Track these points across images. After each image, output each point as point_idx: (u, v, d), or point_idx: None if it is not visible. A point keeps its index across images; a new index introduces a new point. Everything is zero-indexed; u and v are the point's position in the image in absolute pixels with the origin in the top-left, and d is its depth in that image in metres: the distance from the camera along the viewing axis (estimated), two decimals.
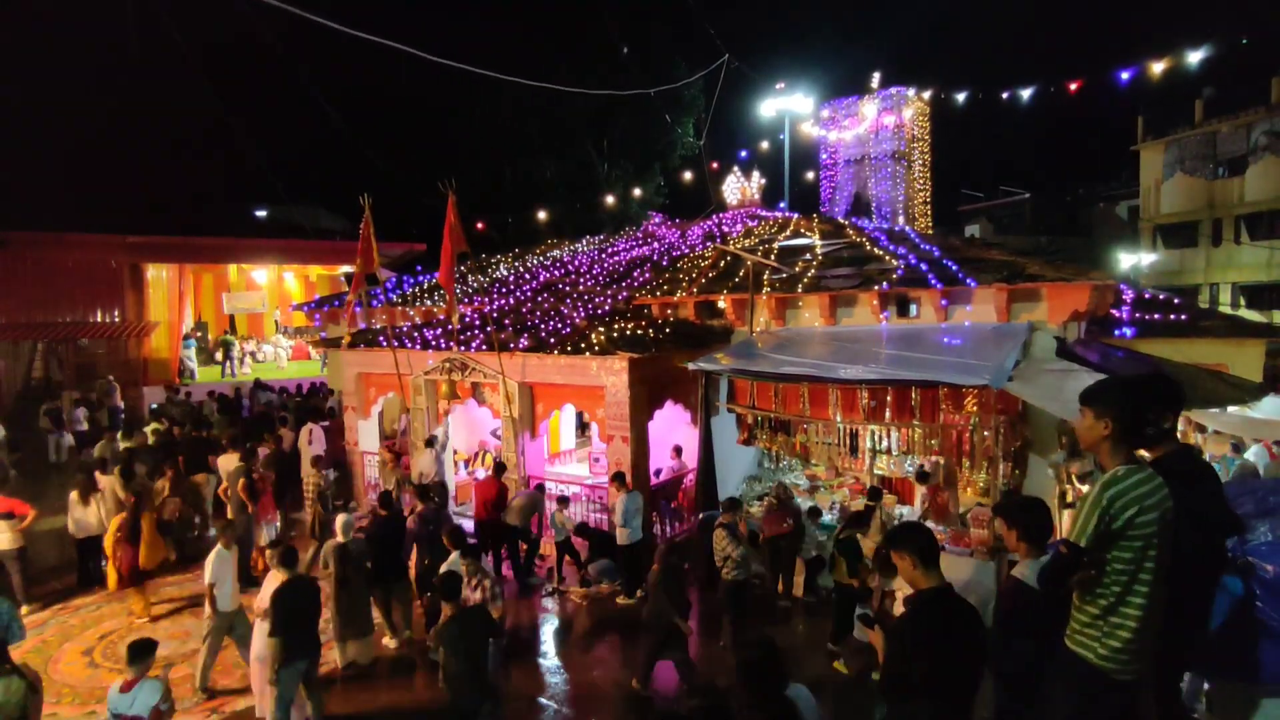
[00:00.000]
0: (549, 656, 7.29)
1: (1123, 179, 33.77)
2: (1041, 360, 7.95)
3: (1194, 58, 11.67)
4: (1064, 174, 40.36)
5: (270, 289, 26.30)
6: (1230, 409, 8.04)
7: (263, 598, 5.87)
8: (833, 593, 7.46)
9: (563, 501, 9.18)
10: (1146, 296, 10.35)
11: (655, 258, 14.11)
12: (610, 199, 25.06)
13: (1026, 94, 14.77)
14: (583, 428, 13.35)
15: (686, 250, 14.17)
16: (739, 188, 17.96)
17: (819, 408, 8.77)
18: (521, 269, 15.40)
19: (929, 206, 21.78)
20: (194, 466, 10.73)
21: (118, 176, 30.32)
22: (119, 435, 12.73)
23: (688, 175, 23.52)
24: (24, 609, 7.83)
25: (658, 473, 10.14)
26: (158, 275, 22.79)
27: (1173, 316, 9.38)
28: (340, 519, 6.94)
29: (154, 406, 16.96)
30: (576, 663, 7.18)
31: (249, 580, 8.61)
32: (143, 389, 19.92)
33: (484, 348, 10.03)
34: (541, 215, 23.91)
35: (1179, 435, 4.95)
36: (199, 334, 24.06)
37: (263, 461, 9.87)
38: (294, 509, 11.34)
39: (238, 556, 8.91)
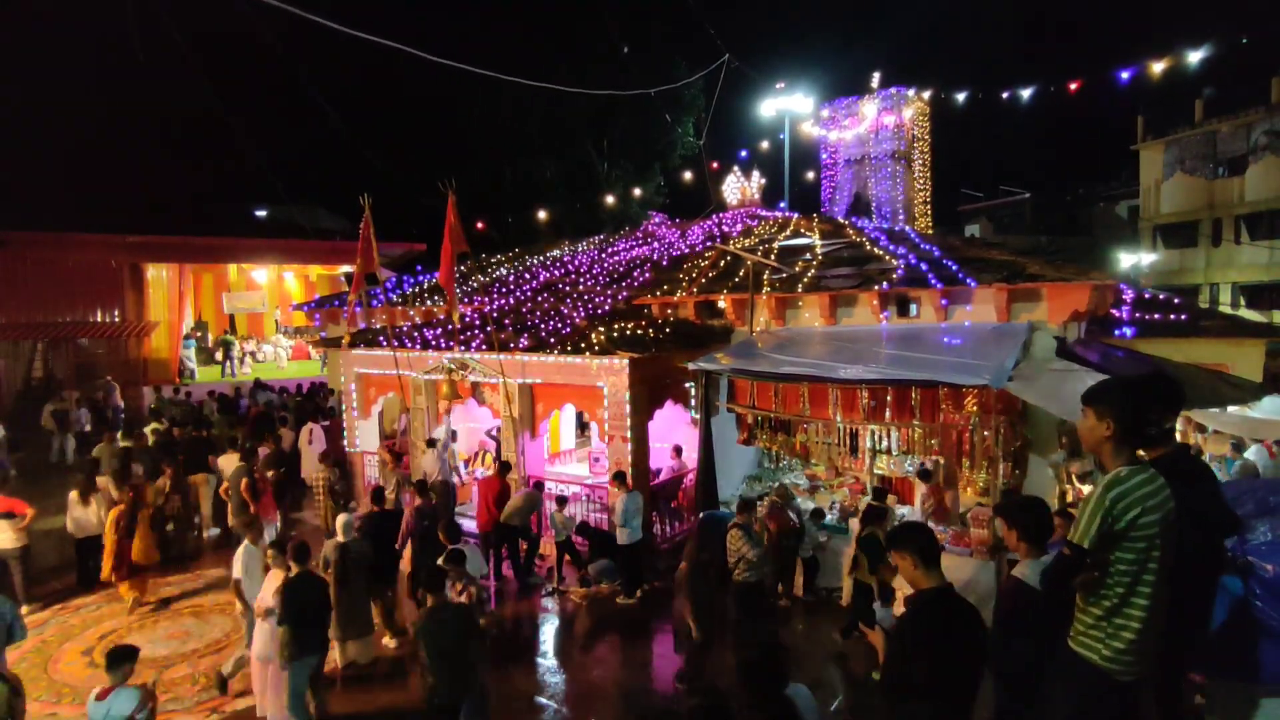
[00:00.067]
0: (549, 656, 7.30)
1: (1123, 179, 33.78)
2: (1041, 360, 7.96)
3: (1194, 58, 11.67)
4: (1064, 174, 40.35)
5: (270, 289, 26.32)
6: (1230, 409, 8.05)
7: (263, 597, 5.87)
8: (854, 590, 7.40)
9: (561, 501, 9.18)
10: (1146, 296, 10.35)
11: (655, 258, 14.11)
12: (610, 199, 25.06)
13: (1026, 94, 14.77)
14: (583, 428, 13.34)
15: (686, 250, 14.17)
16: (739, 188, 17.95)
17: (819, 408, 8.77)
18: (521, 269, 15.40)
19: (929, 206, 21.78)
20: (194, 466, 10.73)
21: (118, 176, 30.33)
22: (119, 435, 12.73)
23: (688, 175, 23.51)
24: (24, 609, 7.83)
25: (657, 472, 10.14)
26: (158, 275, 22.79)
27: (1173, 316, 9.38)
28: (341, 519, 6.94)
29: (151, 406, 16.97)
30: (576, 663, 7.19)
31: None
32: (143, 389, 19.92)
33: (484, 348, 10.03)
34: (541, 215, 23.91)
35: (1178, 435, 4.97)
36: (199, 334, 24.06)
37: (263, 461, 9.88)
38: (294, 509, 11.36)
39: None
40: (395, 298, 14.65)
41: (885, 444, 8.99)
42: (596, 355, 9.15)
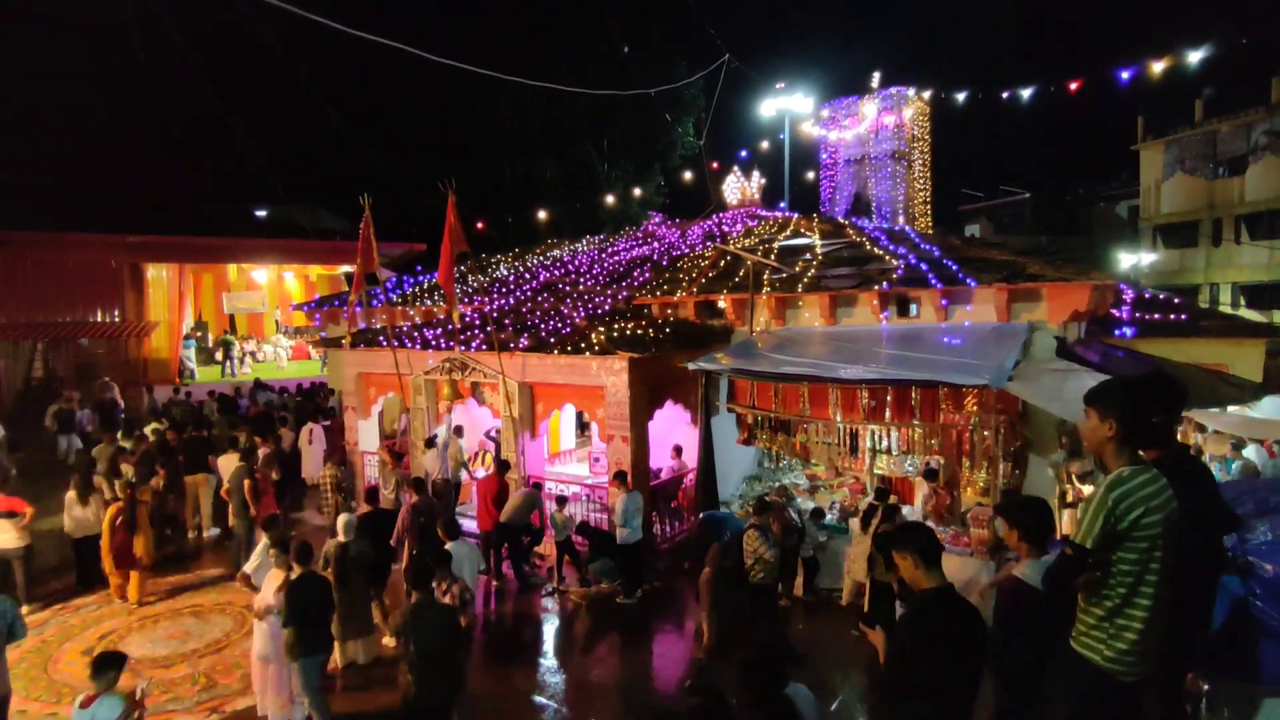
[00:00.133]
0: (549, 656, 7.29)
1: (1123, 179, 33.77)
2: (1041, 360, 7.96)
3: (1194, 58, 11.66)
4: (1064, 174, 40.35)
5: (270, 289, 26.30)
6: (1230, 409, 8.05)
7: (264, 596, 5.87)
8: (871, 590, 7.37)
9: (561, 501, 9.19)
10: (1146, 296, 10.35)
11: (655, 258, 14.11)
12: (610, 199, 25.06)
13: (1026, 94, 14.77)
14: (583, 428, 13.34)
15: (686, 250, 14.17)
16: (739, 187, 17.96)
17: (819, 407, 8.78)
18: (521, 269, 15.40)
19: (929, 206, 21.80)
20: (194, 466, 10.73)
21: (118, 176, 30.28)
22: (119, 436, 12.72)
23: (688, 175, 23.52)
24: (24, 609, 7.83)
25: (658, 472, 10.14)
26: (158, 275, 22.78)
27: (1173, 316, 9.38)
28: (342, 518, 6.94)
29: (158, 406, 16.97)
30: (576, 663, 7.18)
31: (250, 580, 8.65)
32: (143, 389, 19.91)
33: (484, 347, 10.03)
34: (541, 215, 23.91)
35: (1178, 435, 4.96)
36: (199, 334, 24.06)
37: (263, 461, 9.88)
38: (294, 509, 11.36)
39: (239, 556, 8.99)
40: (395, 298, 14.65)
41: (885, 444, 8.98)
42: (596, 355, 9.15)
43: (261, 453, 10.24)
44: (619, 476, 8.76)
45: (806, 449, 9.47)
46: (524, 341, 9.85)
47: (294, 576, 5.64)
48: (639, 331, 9.89)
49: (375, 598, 7.27)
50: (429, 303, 13.74)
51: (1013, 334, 8.32)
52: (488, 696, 6.36)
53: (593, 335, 9.52)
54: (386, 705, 6.30)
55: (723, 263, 11.95)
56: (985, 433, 7.69)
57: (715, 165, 19.39)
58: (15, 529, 8.06)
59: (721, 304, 10.86)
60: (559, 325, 10.39)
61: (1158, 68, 11.85)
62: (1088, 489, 7.56)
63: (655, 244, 15.51)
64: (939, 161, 21.85)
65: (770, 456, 11.11)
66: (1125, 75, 12.30)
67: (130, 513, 8.30)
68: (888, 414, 8.39)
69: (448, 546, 6.44)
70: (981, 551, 7.34)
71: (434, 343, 10.72)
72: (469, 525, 9.86)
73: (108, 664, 4.49)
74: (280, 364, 24.19)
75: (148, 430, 13.05)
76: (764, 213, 17.03)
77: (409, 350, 10.76)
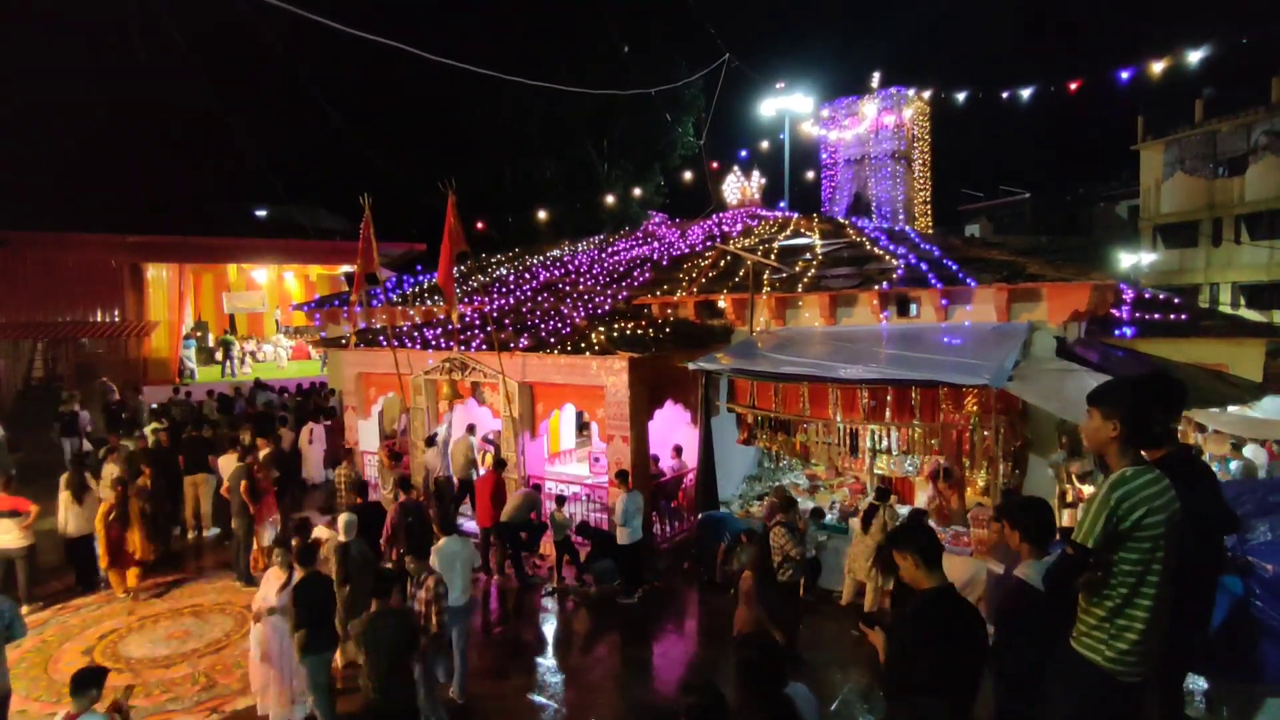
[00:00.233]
0: (549, 656, 7.29)
1: (1123, 179, 33.79)
2: (1041, 360, 7.97)
3: (1194, 58, 11.66)
4: (1064, 174, 40.42)
5: (270, 289, 26.30)
6: (1230, 409, 8.05)
7: (265, 596, 5.87)
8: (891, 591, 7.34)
9: (560, 500, 9.19)
10: (1146, 296, 10.35)
11: (655, 258, 14.11)
12: (610, 199, 25.04)
13: (1026, 94, 14.77)
14: (583, 428, 13.34)
15: (686, 250, 14.17)
16: (739, 187, 17.95)
17: (819, 407, 8.78)
18: (521, 269, 15.40)
19: (929, 206, 21.78)
20: (194, 466, 10.72)
21: (118, 176, 30.29)
22: (119, 436, 12.71)
23: (688, 175, 23.50)
24: (24, 608, 7.83)
25: (660, 473, 10.13)
26: (158, 275, 22.78)
27: (1173, 316, 9.39)
28: (342, 518, 6.94)
29: (154, 406, 16.94)
30: (576, 663, 7.18)
31: (249, 580, 8.65)
32: (143, 389, 19.91)
33: (484, 347, 10.03)
34: (541, 215, 23.89)
35: (1179, 435, 4.96)
36: (199, 334, 24.05)
37: (263, 461, 9.87)
38: (294, 509, 11.33)
39: (238, 556, 8.99)
40: (395, 298, 14.65)
41: (885, 444, 8.99)
42: (596, 355, 9.15)
43: (262, 453, 10.24)
44: (620, 476, 8.76)
45: (806, 449, 9.47)
46: (524, 341, 9.85)
47: (300, 578, 5.63)
48: (639, 331, 9.89)
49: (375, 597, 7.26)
50: (429, 303, 13.74)
51: (1013, 334, 8.32)
52: (488, 696, 6.36)
53: (593, 335, 9.52)
54: None
55: (723, 263, 11.95)
56: (985, 433, 7.69)
57: (715, 165, 19.39)
58: (19, 528, 8.07)
59: (721, 304, 10.86)
60: (559, 325, 10.39)
61: (1158, 68, 11.85)
62: (1088, 489, 7.56)
63: (655, 244, 15.51)
64: (939, 161, 21.83)
65: (770, 456, 11.11)
66: (1125, 75, 12.30)
67: (122, 508, 8.34)
68: (888, 414, 8.39)
69: (442, 542, 6.42)
70: (981, 551, 7.34)
71: (434, 343, 10.72)
72: (469, 525, 9.87)
73: (87, 682, 4.35)
74: (280, 364, 24.19)
75: (147, 430, 13.05)
76: (764, 213, 17.02)
77: (409, 350, 10.76)
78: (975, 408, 7.78)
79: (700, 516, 8.95)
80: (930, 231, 19.80)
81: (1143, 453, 3.04)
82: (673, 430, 10.44)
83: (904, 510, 9.18)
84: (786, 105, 21.38)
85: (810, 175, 22.54)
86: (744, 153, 20.67)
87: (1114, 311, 9.58)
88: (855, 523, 8.02)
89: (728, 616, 7.84)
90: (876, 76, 20.87)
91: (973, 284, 8.79)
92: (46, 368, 20.61)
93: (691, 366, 8.85)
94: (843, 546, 8.19)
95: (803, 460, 10.66)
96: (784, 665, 3.28)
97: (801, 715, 3.18)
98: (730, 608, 8.06)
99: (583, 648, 7.58)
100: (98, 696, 4.38)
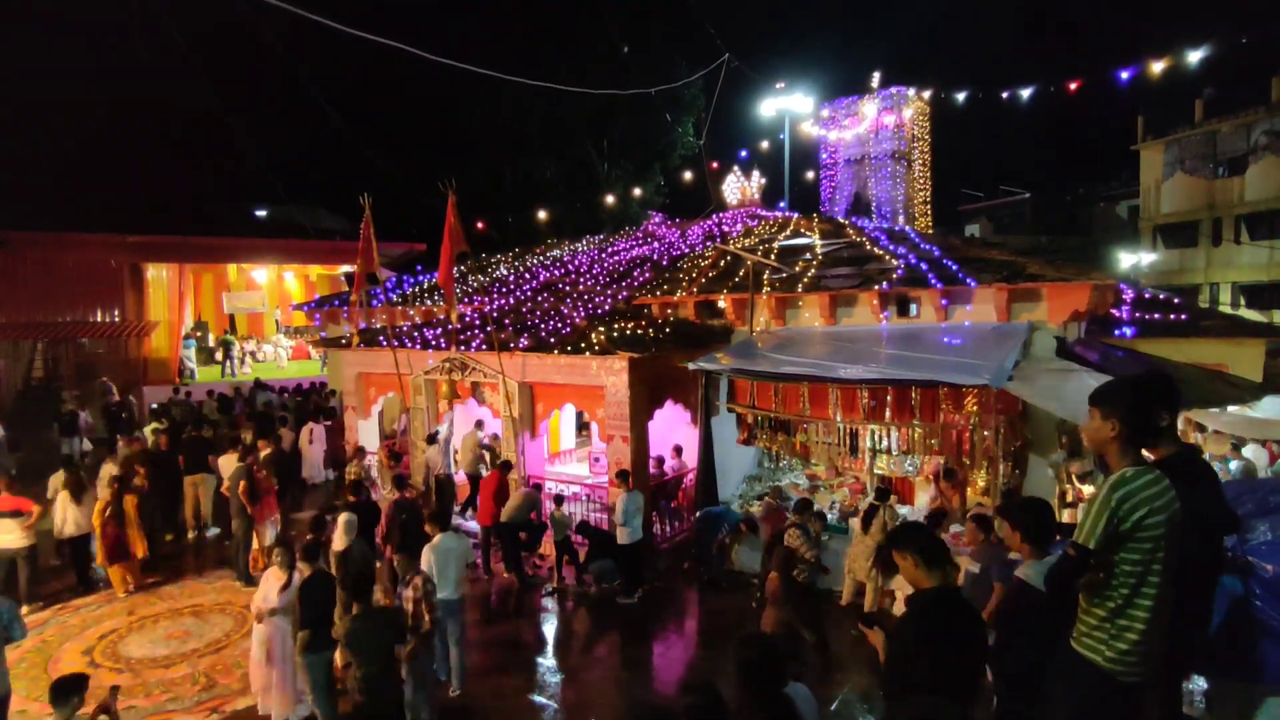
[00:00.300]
0: (548, 656, 7.29)
1: (1123, 179, 33.78)
2: (1041, 360, 7.97)
3: (1194, 58, 11.65)
4: (1064, 174, 40.43)
5: (270, 289, 26.28)
6: (1230, 409, 8.05)
7: (266, 596, 5.87)
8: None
9: (559, 500, 9.19)
10: (1146, 296, 10.35)
11: (655, 257, 14.11)
12: (610, 199, 25.04)
13: (1026, 94, 14.77)
14: (583, 428, 13.34)
15: (686, 250, 14.17)
16: (739, 187, 17.95)
17: (819, 407, 8.77)
18: (521, 269, 15.40)
19: (929, 206, 21.80)
20: (194, 466, 10.72)
21: (118, 176, 30.31)
22: (129, 439, 12.70)
23: (688, 175, 23.51)
24: (24, 609, 7.84)
25: (663, 473, 10.13)
26: (158, 275, 22.76)
27: (1173, 316, 9.38)
28: (343, 518, 6.95)
29: (154, 406, 16.94)
30: (576, 663, 7.18)
31: (249, 579, 8.65)
32: (143, 389, 19.91)
33: (484, 347, 10.02)
34: (541, 215, 23.90)
35: (1179, 435, 4.95)
36: (199, 334, 24.05)
37: (263, 461, 9.88)
38: (294, 509, 11.35)
39: (238, 556, 8.99)
40: (395, 298, 14.65)
41: (885, 444, 8.99)
42: (596, 355, 9.15)
43: (262, 453, 10.24)
44: (621, 475, 8.76)
45: (806, 449, 9.47)
46: (524, 341, 9.85)
47: (305, 577, 5.62)
48: (639, 331, 9.89)
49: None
50: (429, 303, 13.74)
51: (1013, 334, 8.32)
52: (487, 696, 6.36)
53: (593, 335, 9.52)
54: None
55: (723, 263, 11.95)
56: (985, 433, 7.69)
57: (715, 165, 19.39)
58: (21, 528, 8.07)
59: (721, 304, 10.86)
60: (559, 325, 10.39)
61: (1158, 68, 11.84)
62: (1088, 489, 7.56)
63: (655, 244, 15.51)
64: (939, 161, 21.86)
65: (770, 456, 11.11)
66: (1125, 75, 12.30)
67: (117, 505, 8.36)
68: (888, 414, 8.39)
69: (438, 538, 6.42)
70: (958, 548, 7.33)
71: (434, 343, 10.72)
72: (470, 525, 9.87)
73: (68, 690, 4.29)
74: (280, 364, 24.18)
75: (147, 431, 13.05)
76: (764, 213, 17.02)
77: (409, 350, 10.75)
78: (975, 408, 7.77)
79: (699, 514, 8.97)
80: (930, 231, 19.80)
81: (1145, 452, 3.04)
82: (673, 430, 10.44)
83: (904, 510, 9.19)
84: (786, 105, 21.39)
85: (810, 175, 22.57)
86: (744, 153, 20.69)
87: (1114, 311, 9.58)
88: (855, 523, 8.02)
89: (728, 616, 7.88)
90: (876, 76, 20.91)
91: (973, 284, 8.79)
92: (46, 368, 20.60)
93: (691, 366, 8.85)
94: (843, 547, 8.19)
95: (803, 460, 10.66)
96: (784, 665, 3.28)
97: (801, 715, 3.18)
98: (730, 606, 8.10)
99: (583, 648, 7.58)
100: (80, 704, 4.33)
